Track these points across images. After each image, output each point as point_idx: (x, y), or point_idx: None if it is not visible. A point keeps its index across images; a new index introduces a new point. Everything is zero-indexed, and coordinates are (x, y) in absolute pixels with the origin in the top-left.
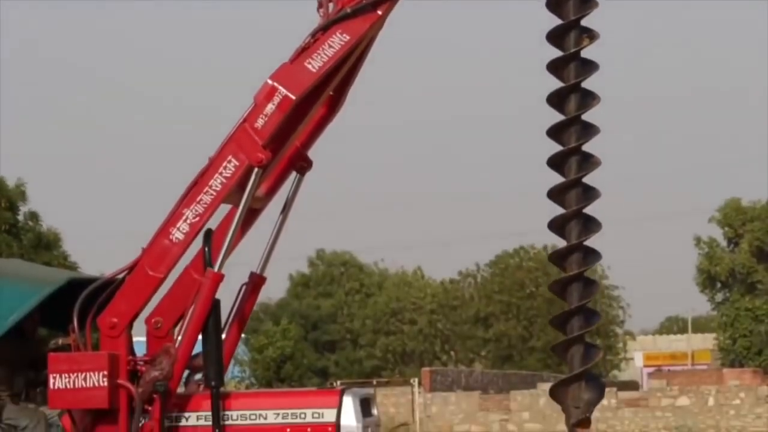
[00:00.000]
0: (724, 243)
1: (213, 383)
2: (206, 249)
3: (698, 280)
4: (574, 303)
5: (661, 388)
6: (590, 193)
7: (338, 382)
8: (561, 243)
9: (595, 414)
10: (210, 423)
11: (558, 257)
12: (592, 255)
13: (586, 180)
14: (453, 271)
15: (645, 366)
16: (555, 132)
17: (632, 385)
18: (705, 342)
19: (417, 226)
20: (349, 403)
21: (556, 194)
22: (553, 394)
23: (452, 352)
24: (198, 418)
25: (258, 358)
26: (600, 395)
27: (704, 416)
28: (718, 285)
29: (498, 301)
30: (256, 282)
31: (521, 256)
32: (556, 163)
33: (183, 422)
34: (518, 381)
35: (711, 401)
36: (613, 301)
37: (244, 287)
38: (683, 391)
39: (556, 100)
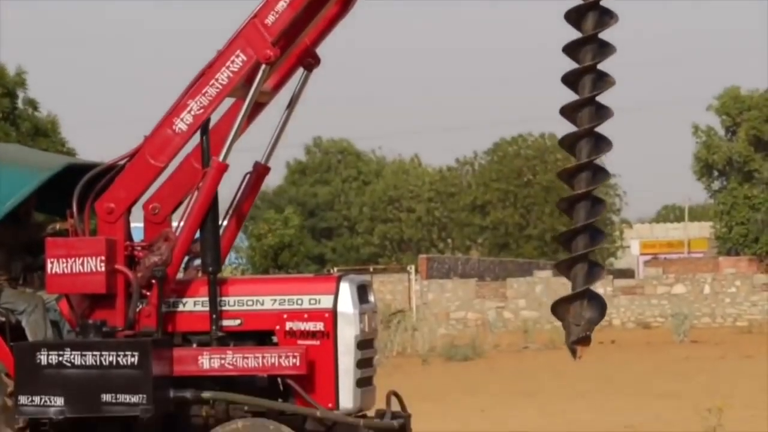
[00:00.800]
0: (721, 131)
1: (210, 269)
2: (204, 141)
3: (695, 169)
4: (580, 221)
5: (657, 276)
6: (603, 112)
7: (335, 269)
8: (560, 133)
9: None
10: (207, 309)
11: (567, 175)
12: (601, 173)
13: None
14: (451, 158)
15: (641, 254)
16: (571, 50)
17: (628, 273)
18: (701, 230)
19: (415, 113)
20: (346, 290)
21: (568, 112)
22: (555, 310)
23: (449, 240)
24: (195, 304)
25: (256, 246)
26: (601, 314)
27: (700, 304)
28: (716, 173)
29: (495, 189)
30: (260, 172)
31: (519, 144)
32: (570, 80)
33: (180, 307)
34: (515, 269)
35: (707, 289)
36: (610, 189)
37: (247, 176)
38: (679, 279)
39: (574, 16)
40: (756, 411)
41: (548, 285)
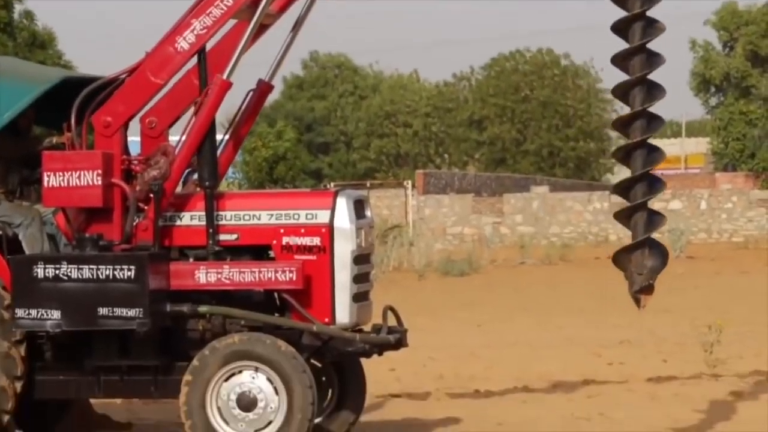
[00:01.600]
0: (719, 46)
1: (207, 183)
2: (202, 60)
3: (692, 84)
4: (638, 169)
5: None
6: (654, 59)
7: (332, 184)
8: (556, 50)
9: (587, 217)
10: (204, 223)
11: (621, 124)
12: (656, 121)
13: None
14: (448, 73)
15: None
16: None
17: None
18: (698, 146)
19: (413, 28)
20: (342, 205)
21: (619, 60)
22: (616, 260)
23: (446, 155)
24: (192, 218)
25: (249, 160)
26: (664, 262)
27: (696, 220)
28: (713, 89)
29: (493, 104)
30: (263, 89)
31: (517, 60)
32: (620, 28)
33: (177, 222)
34: (511, 184)
35: (703, 205)
36: (607, 104)
37: (251, 93)
38: (676, 195)
39: None
40: (752, 327)
41: (545, 200)
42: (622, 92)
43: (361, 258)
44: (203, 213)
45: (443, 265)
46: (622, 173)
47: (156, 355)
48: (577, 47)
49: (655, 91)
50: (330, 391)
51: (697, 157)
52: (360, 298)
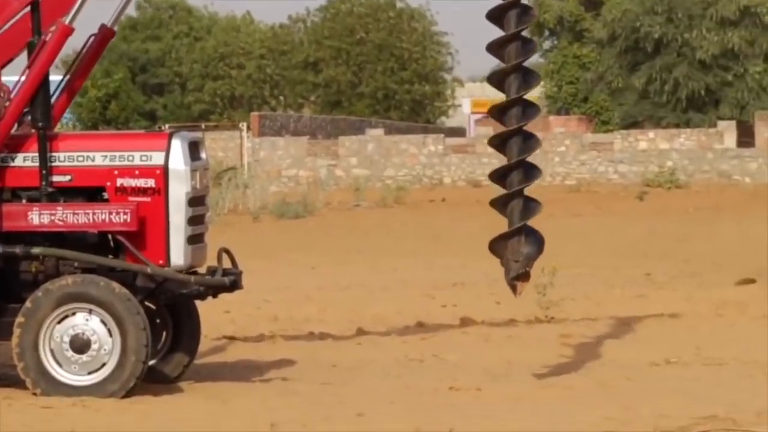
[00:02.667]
0: None
1: (40, 124)
2: (35, 8)
3: None
4: (514, 157)
5: (488, 135)
6: (529, 46)
7: (167, 126)
8: None
9: (422, 160)
10: (37, 164)
11: (497, 111)
12: (532, 108)
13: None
14: (283, 16)
15: (472, 113)
16: None
17: (459, 132)
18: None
19: None
20: (177, 146)
21: (495, 48)
22: (492, 248)
23: (281, 97)
24: (25, 159)
25: (81, 101)
26: (539, 249)
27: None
28: (546, 33)
29: (328, 47)
30: (105, 34)
31: (352, 2)
32: (495, 16)
33: (9, 163)
34: (347, 126)
35: None
36: (442, 47)
37: (92, 38)
38: None
39: None
40: (583, 269)
41: (380, 143)
42: (498, 80)
43: (196, 200)
44: (36, 154)
45: (278, 208)
46: (457, 117)
47: None
48: None
49: (530, 78)
50: (164, 333)
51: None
52: (195, 240)
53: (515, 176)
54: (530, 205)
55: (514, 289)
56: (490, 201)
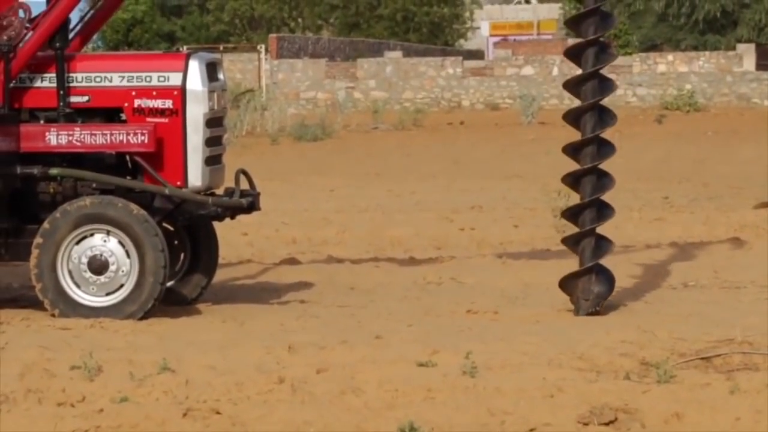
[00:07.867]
0: None
1: (58, 45)
2: None
3: None
4: (587, 196)
5: (507, 58)
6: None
7: (185, 47)
8: None
9: (440, 83)
10: (55, 85)
11: (572, 149)
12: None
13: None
14: None
15: (491, 35)
16: None
17: (478, 55)
18: (550, 12)
19: None
20: (195, 67)
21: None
22: (563, 285)
23: (300, 19)
24: (42, 80)
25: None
26: (610, 288)
27: (548, 86)
28: None
29: None
30: None
31: None
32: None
33: (27, 83)
34: (365, 49)
35: (555, 71)
36: None
37: None
38: (528, 61)
39: None
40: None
41: (398, 66)
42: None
43: (214, 121)
44: (54, 75)
45: (296, 130)
46: (475, 40)
47: (6, 217)
48: None
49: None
50: (182, 254)
51: (550, 23)
52: (212, 161)
53: (588, 214)
54: (602, 244)
55: None
56: (562, 238)
